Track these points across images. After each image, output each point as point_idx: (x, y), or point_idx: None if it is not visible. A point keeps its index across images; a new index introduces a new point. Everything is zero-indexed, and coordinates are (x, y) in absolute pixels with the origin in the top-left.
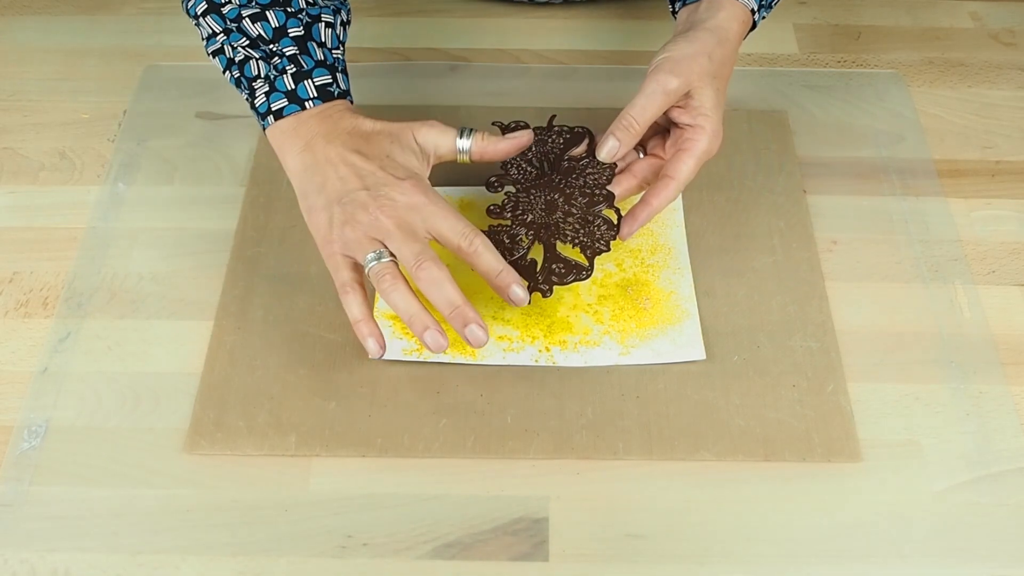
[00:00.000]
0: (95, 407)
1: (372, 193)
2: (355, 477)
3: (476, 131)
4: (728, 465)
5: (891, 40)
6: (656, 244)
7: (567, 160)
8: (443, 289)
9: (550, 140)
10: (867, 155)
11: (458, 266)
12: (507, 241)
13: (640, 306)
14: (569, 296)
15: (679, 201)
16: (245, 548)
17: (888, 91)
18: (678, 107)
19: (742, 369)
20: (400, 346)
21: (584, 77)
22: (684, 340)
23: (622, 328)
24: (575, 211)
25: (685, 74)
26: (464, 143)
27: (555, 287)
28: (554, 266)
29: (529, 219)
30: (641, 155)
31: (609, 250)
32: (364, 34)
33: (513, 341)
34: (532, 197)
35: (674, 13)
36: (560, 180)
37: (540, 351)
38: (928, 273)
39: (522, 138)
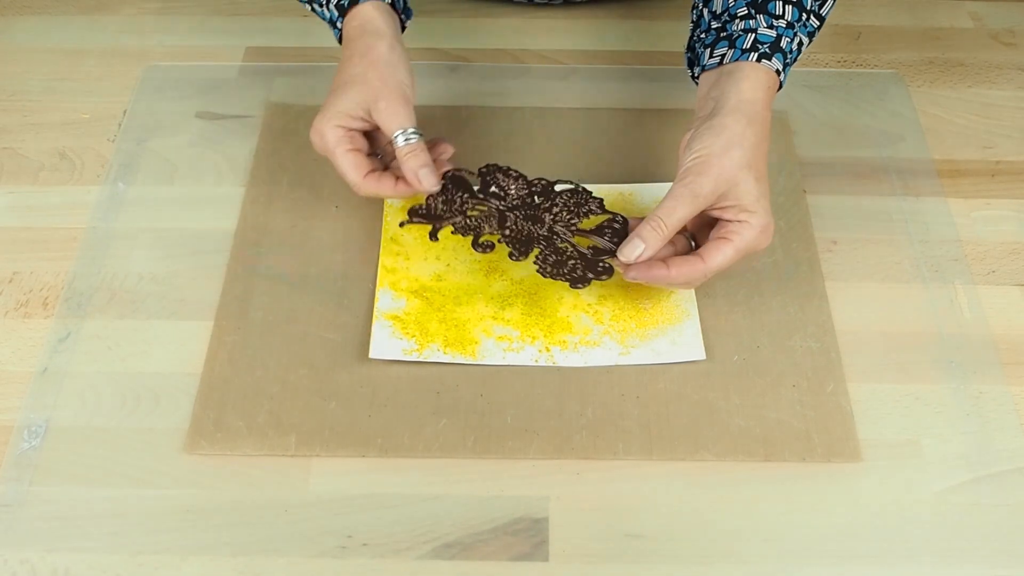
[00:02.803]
0: (95, 407)
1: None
2: (355, 477)
3: (416, 144)
4: (728, 465)
5: (891, 40)
6: None
7: (486, 191)
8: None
9: (451, 194)
10: (867, 155)
11: (457, 266)
12: (556, 257)
13: (640, 306)
14: (569, 296)
15: None
16: (245, 548)
17: (888, 91)
18: (719, 207)
19: (742, 369)
20: (400, 346)
21: (584, 77)
22: (684, 340)
23: (622, 328)
24: (552, 201)
25: (715, 174)
26: (399, 139)
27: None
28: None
29: (534, 235)
30: (693, 245)
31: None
32: None
33: (513, 341)
34: (513, 221)
35: (694, 78)
36: (505, 204)
37: (540, 351)
38: (928, 273)
39: (422, 185)
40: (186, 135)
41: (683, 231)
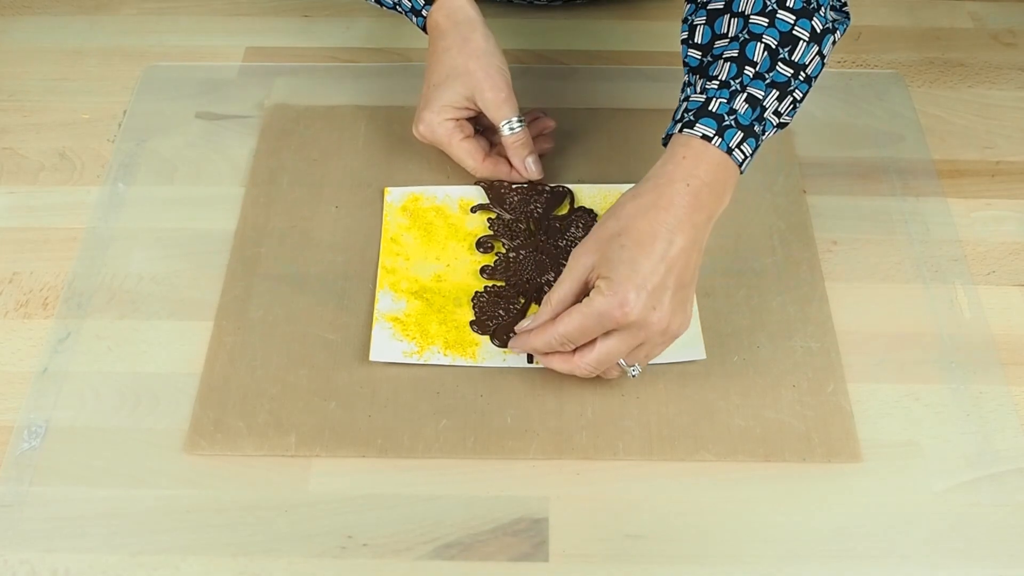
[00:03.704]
0: (95, 407)
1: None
2: (355, 477)
3: (521, 133)
4: (728, 465)
5: (891, 40)
6: None
7: (551, 220)
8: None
9: (532, 199)
10: (867, 155)
11: (457, 266)
12: (503, 304)
13: None
14: None
15: None
16: (245, 548)
17: (888, 91)
18: (596, 277)
19: (742, 369)
20: (400, 348)
21: (584, 77)
22: (684, 341)
23: None
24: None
25: (589, 245)
26: (505, 128)
27: None
28: None
29: (523, 279)
30: None
31: None
32: (364, 34)
33: None
34: (522, 257)
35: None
36: (546, 240)
37: None
38: (928, 273)
39: (531, 174)
40: (186, 135)
41: None
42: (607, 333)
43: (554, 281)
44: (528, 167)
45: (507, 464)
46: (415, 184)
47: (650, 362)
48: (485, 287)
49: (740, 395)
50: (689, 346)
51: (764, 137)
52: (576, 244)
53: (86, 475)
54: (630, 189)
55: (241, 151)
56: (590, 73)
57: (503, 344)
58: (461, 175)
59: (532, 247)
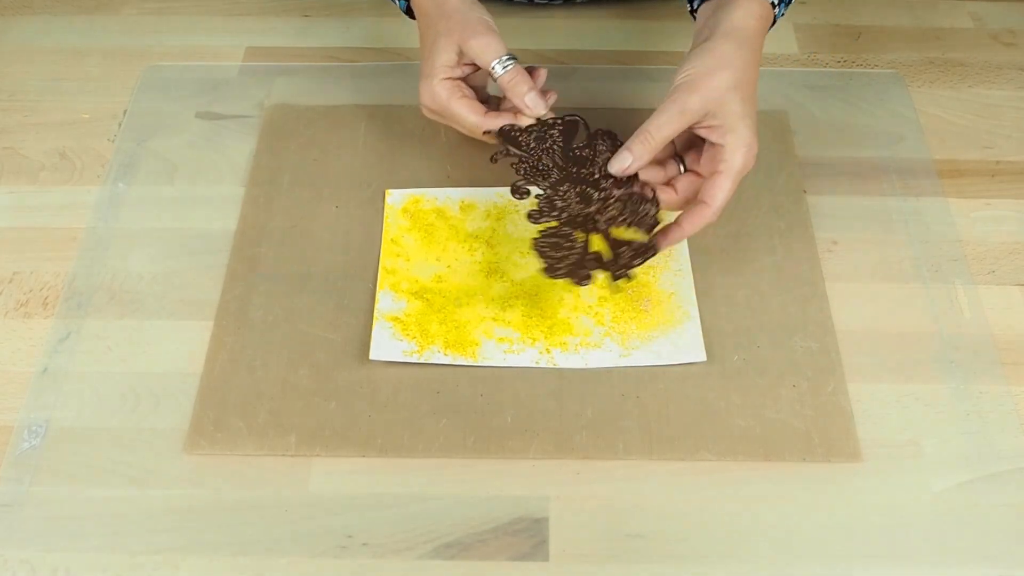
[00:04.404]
0: (95, 407)
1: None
2: (355, 477)
3: (515, 69)
4: (728, 465)
5: (891, 40)
6: None
7: (574, 151)
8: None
9: (547, 135)
10: (867, 155)
11: (458, 267)
12: (565, 243)
13: (641, 308)
14: (570, 298)
15: None
16: (245, 548)
17: (888, 91)
18: (705, 126)
19: (742, 369)
20: (400, 347)
21: (584, 77)
22: (685, 342)
23: (623, 330)
24: (610, 196)
25: (704, 92)
26: (497, 68)
27: (634, 269)
28: (621, 251)
29: (573, 214)
30: (682, 169)
31: (659, 222)
32: (364, 34)
33: (514, 343)
34: (563, 193)
35: (693, 12)
36: (579, 171)
37: (541, 353)
38: (928, 273)
39: (531, 109)
40: (186, 135)
41: (673, 156)
42: None
43: (605, 208)
44: (529, 103)
45: (507, 464)
46: (416, 184)
47: (650, 363)
48: (540, 232)
49: (740, 395)
50: (690, 348)
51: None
52: (606, 165)
53: (86, 475)
54: (719, 36)
55: (241, 151)
56: (590, 73)
57: (619, 277)
58: (462, 175)
59: (568, 180)
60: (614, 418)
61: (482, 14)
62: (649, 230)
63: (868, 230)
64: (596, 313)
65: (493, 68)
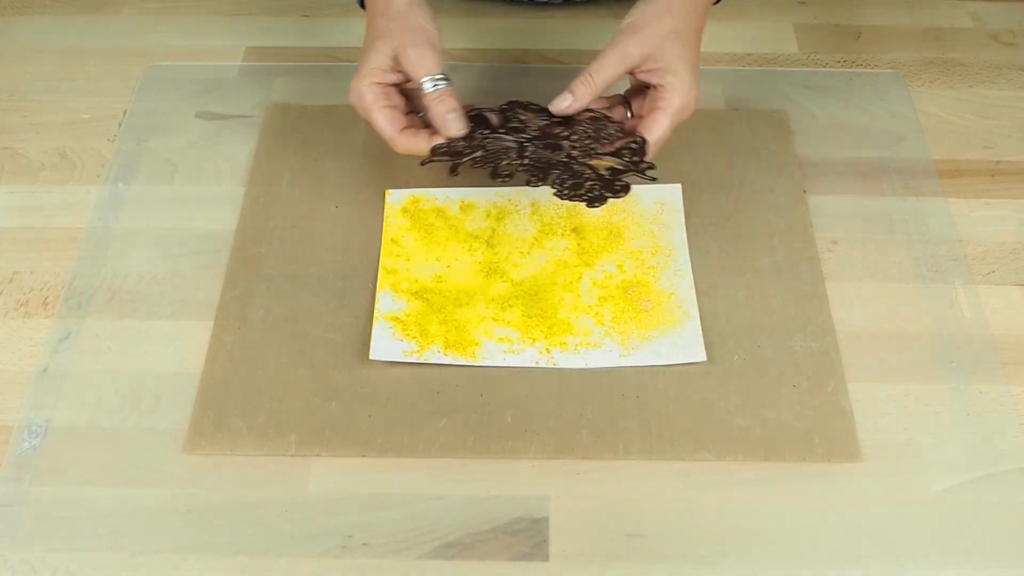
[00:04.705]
0: (95, 407)
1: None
2: (355, 477)
3: (444, 89)
4: (728, 465)
5: (891, 40)
6: (657, 246)
7: (509, 127)
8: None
9: (488, 133)
10: (867, 155)
11: (458, 267)
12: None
13: (641, 308)
14: (570, 298)
15: (679, 203)
16: (245, 548)
17: (888, 91)
18: (646, 70)
19: (742, 369)
20: (400, 347)
21: None
22: (685, 342)
23: (623, 330)
24: (572, 132)
25: (644, 35)
26: (427, 85)
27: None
28: (617, 161)
29: (557, 160)
30: (630, 115)
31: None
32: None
33: (514, 343)
34: (532, 152)
35: None
36: (541, 131)
37: (541, 353)
38: (928, 273)
39: (449, 130)
40: (186, 135)
41: (621, 103)
42: None
43: (571, 145)
44: (449, 123)
45: (507, 464)
46: (415, 184)
47: (650, 363)
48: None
49: (740, 395)
50: (690, 348)
51: None
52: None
53: (86, 475)
54: None
55: (241, 151)
56: None
57: (641, 169)
58: (462, 175)
59: (531, 141)
60: (614, 418)
61: (426, 22)
62: (617, 152)
63: (868, 230)
64: (596, 313)
65: (423, 84)
